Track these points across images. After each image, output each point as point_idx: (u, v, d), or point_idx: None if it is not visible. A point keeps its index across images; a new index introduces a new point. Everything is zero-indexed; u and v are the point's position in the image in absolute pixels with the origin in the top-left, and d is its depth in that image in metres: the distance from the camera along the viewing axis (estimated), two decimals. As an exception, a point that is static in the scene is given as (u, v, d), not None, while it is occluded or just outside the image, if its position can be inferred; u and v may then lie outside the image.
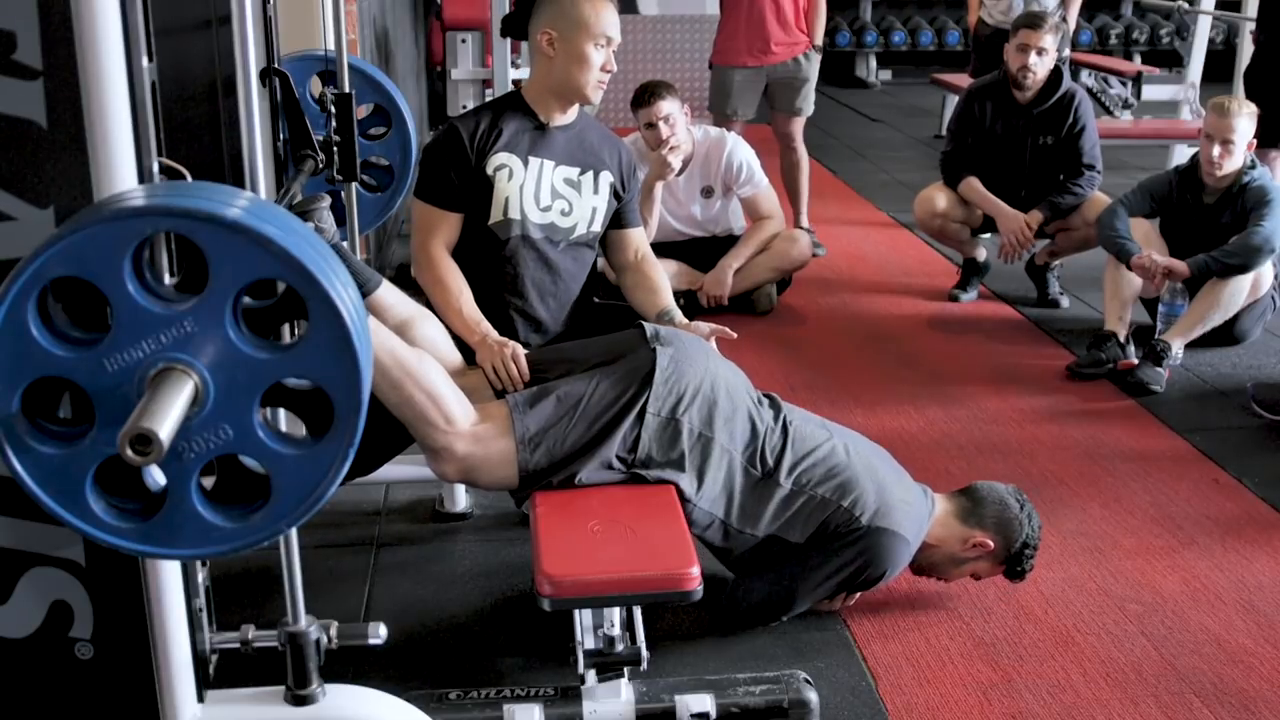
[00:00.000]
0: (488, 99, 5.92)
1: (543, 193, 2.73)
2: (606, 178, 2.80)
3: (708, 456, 2.36)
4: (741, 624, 2.55)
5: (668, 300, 2.84)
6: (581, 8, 2.66)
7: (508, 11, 2.92)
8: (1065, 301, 4.86)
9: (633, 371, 2.37)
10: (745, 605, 2.53)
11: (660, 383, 2.34)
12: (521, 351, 2.53)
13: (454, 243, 2.73)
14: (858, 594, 2.60)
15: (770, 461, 2.43)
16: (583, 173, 2.78)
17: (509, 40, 5.29)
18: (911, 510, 2.52)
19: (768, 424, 2.46)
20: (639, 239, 2.94)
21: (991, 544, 2.57)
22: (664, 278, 2.92)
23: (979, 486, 2.67)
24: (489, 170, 2.69)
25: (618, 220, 2.88)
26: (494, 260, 2.74)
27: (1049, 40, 4.61)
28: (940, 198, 4.87)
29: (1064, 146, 4.67)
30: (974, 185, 4.78)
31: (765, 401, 2.54)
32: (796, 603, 2.51)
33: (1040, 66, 4.62)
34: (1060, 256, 4.88)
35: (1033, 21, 4.69)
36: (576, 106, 2.81)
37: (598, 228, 2.82)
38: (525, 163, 2.72)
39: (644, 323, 2.58)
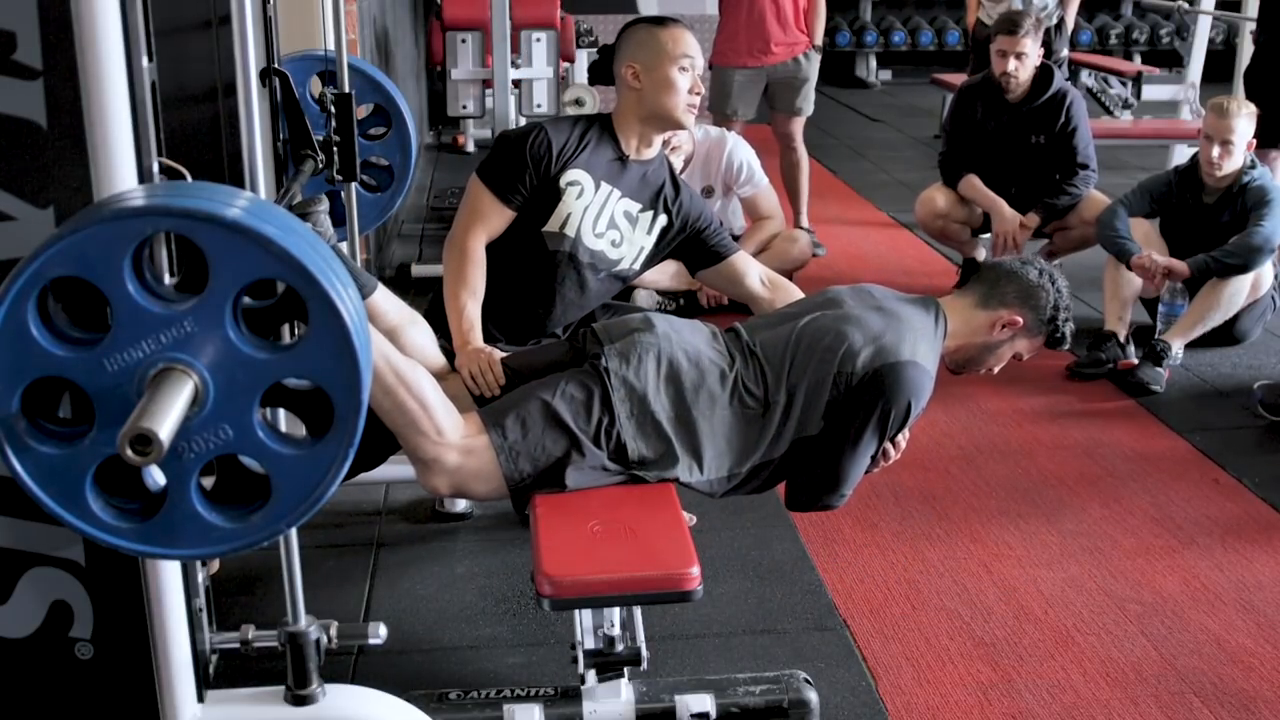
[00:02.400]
0: (488, 99, 5.96)
1: (602, 220, 2.76)
2: (661, 221, 2.83)
3: (694, 431, 2.32)
4: (814, 510, 2.47)
5: None
6: (659, 36, 2.72)
7: (594, 61, 2.97)
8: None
9: (590, 378, 2.34)
10: (805, 499, 2.44)
11: (618, 384, 2.31)
12: (498, 356, 2.53)
13: (496, 235, 2.73)
14: (904, 440, 2.45)
15: (757, 390, 2.36)
16: (643, 210, 2.81)
17: (509, 40, 5.30)
18: (908, 332, 2.39)
19: (738, 363, 2.40)
20: (749, 264, 2.94)
21: (1020, 319, 2.47)
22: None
23: (990, 265, 2.58)
24: (562, 182, 2.70)
25: (715, 254, 2.89)
26: (534, 265, 2.75)
27: (1028, 44, 4.59)
28: (940, 198, 4.88)
29: (1056, 145, 4.67)
30: (974, 183, 4.78)
31: (729, 340, 2.47)
32: (847, 474, 2.37)
33: (1022, 71, 4.61)
34: (1058, 256, 4.87)
35: (1009, 26, 4.65)
36: (658, 145, 2.84)
37: (639, 267, 2.86)
38: (597, 186, 2.74)
39: (594, 325, 2.55)
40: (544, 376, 2.38)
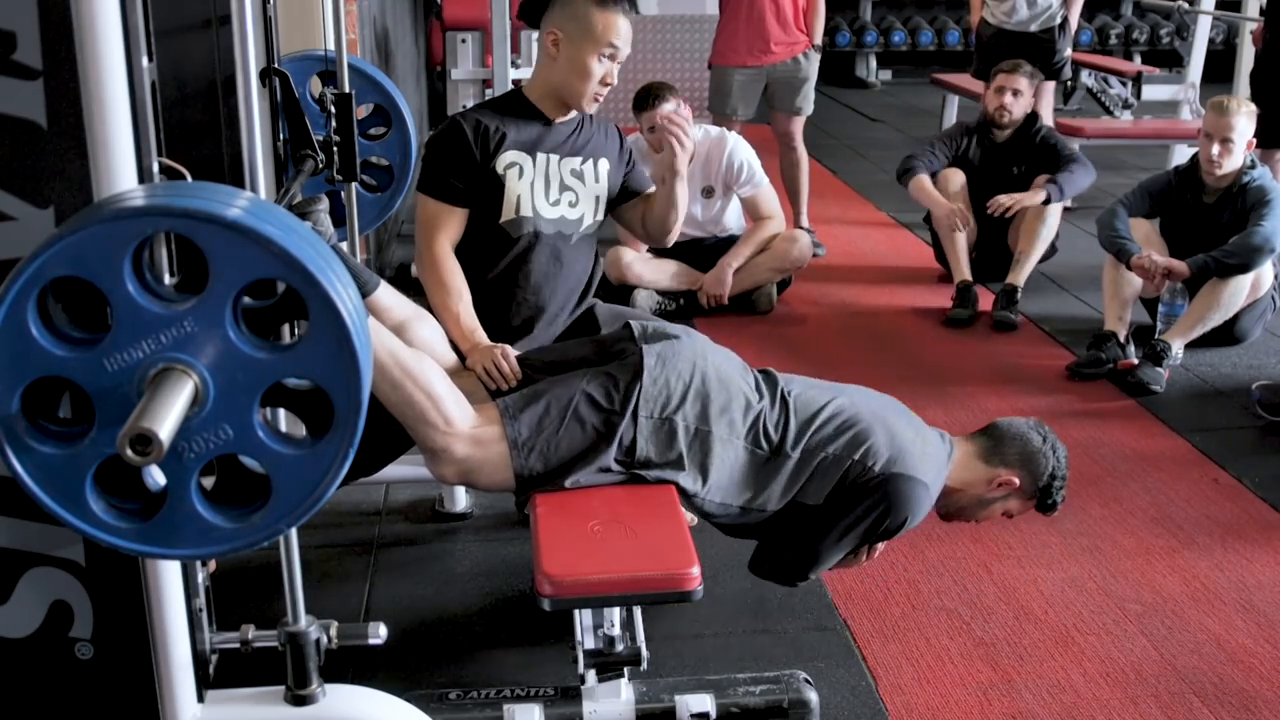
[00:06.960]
0: (488, 99, 5.96)
1: (552, 187, 2.73)
2: (604, 165, 2.81)
3: (709, 450, 2.34)
4: (773, 581, 2.52)
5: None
6: (593, 15, 2.61)
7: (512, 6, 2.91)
8: (1016, 317, 4.63)
9: (622, 372, 2.35)
10: (771, 568, 2.48)
11: (649, 384, 2.32)
12: (512, 351, 2.53)
13: (458, 239, 2.73)
14: (882, 545, 2.52)
15: (775, 437, 2.39)
16: (584, 161, 2.78)
17: (509, 40, 5.30)
18: (928, 455, 2.45)
19: (765, 402, 2.42)
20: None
21: (1017, 481, 2.50)
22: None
23: (999, 424, 2.60)
24: (499, 169, 2.68)
25: (634, 189, 2.88)
26: (506, 258, 2.74)
27: (1023, 82, 4.92)
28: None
29: (1036, 164, 4.93)
30: (922, 182, 4.99)
31: (761, 379, 2.49)
32: (821, 560, 2.43)
33: (1016, 107, 4.92)
34: (1024, 264, 4.80)
35: (1009, 66, 4.98)
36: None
37: (600, 216, 2.84)
38: (533, 159, 2.72)
39: (632, 322, 2.56)
40: (565, 374, 2.39)
